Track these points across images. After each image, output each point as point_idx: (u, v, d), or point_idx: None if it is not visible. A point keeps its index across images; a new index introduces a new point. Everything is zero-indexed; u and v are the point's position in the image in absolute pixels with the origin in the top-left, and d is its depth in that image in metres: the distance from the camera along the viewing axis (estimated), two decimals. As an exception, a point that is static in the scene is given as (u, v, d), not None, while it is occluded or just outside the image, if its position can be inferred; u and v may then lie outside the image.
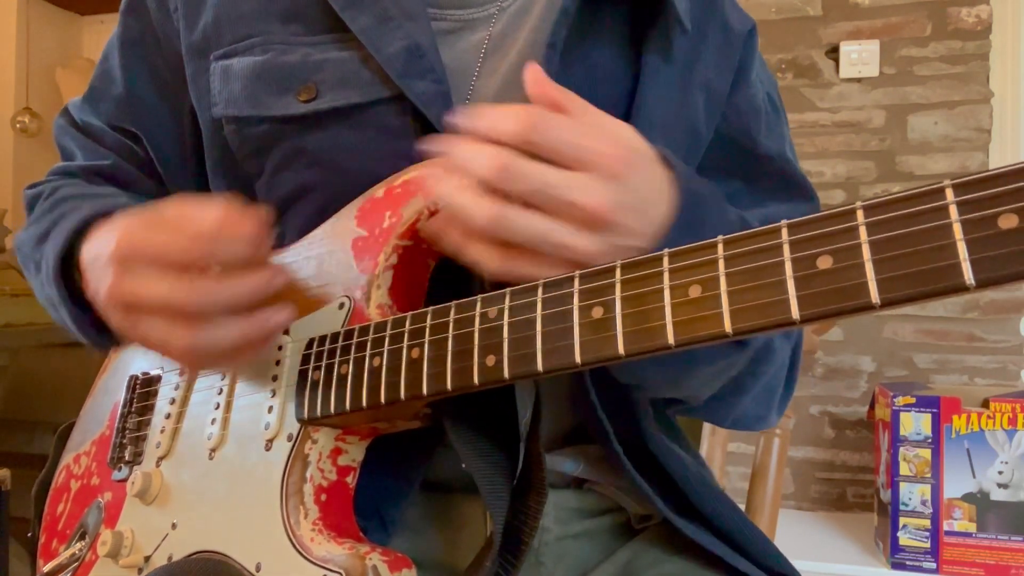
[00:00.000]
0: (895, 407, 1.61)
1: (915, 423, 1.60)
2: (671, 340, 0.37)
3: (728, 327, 0.36)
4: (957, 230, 0.31)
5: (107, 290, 0.48)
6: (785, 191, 0.66)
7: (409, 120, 0.55)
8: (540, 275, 0.43)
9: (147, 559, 0.56)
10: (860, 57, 1.96)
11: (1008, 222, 0.30)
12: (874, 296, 0.32)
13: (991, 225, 0.30)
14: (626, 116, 0.58)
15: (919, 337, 1.94)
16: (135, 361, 0.67)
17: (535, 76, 0.44)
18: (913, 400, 1.61)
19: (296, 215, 0.59)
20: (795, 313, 0.34)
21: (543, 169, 0.42)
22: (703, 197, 0.48)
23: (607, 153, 0.42)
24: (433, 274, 0.54)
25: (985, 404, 1.58)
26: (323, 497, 0.50)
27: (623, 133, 0.45)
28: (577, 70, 0.57)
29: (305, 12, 0.60)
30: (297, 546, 0.48)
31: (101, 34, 2.98)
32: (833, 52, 2.00)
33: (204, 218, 0.45)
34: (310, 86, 0.57)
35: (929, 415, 1.59)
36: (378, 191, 0.54)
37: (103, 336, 0.58)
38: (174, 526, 0.56)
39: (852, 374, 1.98)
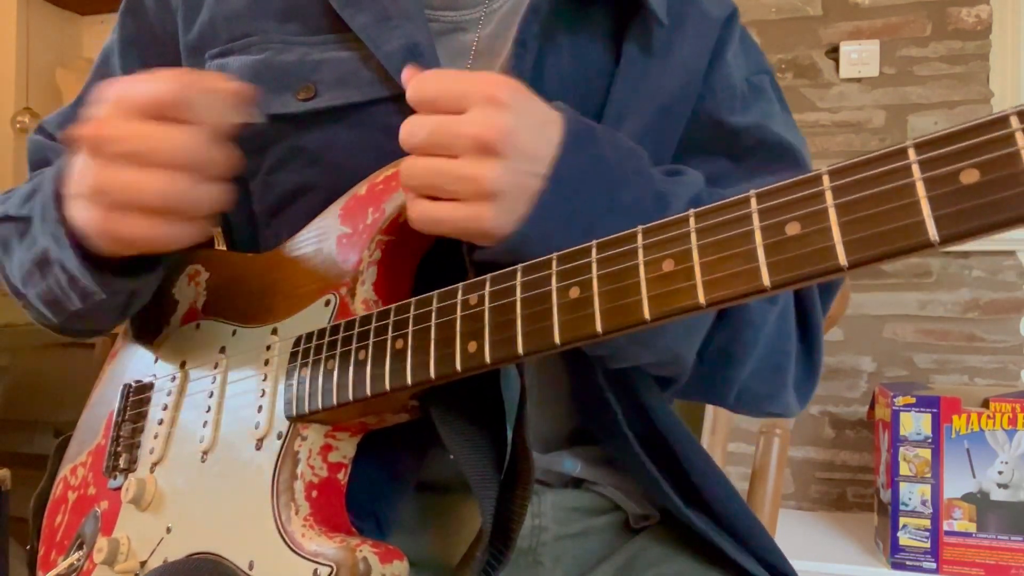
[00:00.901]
0: (895, 407, 1.61)
1: (915, 423, 1.60)
2: (647, 315, 0.38)
3: (702, 298, 0.37)
4: (920, 188, 0.31)
5: (91, 178, 0.48)
6: (768, 164, 0.63)
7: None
8: (460, 215, 0.45)
9: (143, 564, 0.56)
10: (860, 57, 1.96)
11: (970, 177, 0.30)
12: (842, 258, 0.33)
13: (953, 181, 0.31)
14: (602, 106, 0.59)
15: (919, 337, 1.94)
16: (129, 370, 0.67)
17: (406, 76, 0.49)
18: (913, 400, 1.61)
19: (294, 215, 0.59)
20: (766, 280, 0.35)
21: (429, 118, 0.46)
22: (586, 121, 0.50)
23: (482, 87, 0.45)
24: (420, 267, 0.55)
25: (985, 404, 1.58)
26: (314, 494, 0.50)
27: (496, 74, 0.47)
28: (552, 65, 0.58)
29: (303, 11, 0.60)
30: (288, 542, 0.48)
31: (101, 34, 2.98)
32: (833, 52, 2.00)
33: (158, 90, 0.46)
34: (309, 86, 0.57)
35: (929, 415, 1.59)
36: (361, 188, 0.54)
37: (102, 274, 0.54)
38: (169, 530, 0.56)
39: (852, 374, 1.98)
